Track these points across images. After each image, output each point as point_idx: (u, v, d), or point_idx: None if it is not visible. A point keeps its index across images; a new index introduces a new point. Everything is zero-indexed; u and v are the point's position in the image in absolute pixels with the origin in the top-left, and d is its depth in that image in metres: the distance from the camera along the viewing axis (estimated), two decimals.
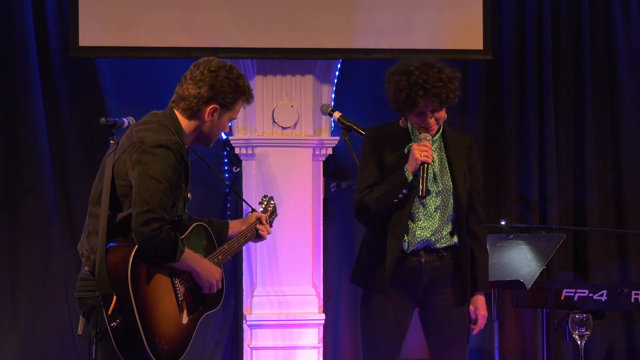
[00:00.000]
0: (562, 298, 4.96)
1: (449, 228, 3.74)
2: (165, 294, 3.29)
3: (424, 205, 3.69)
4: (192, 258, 3.34)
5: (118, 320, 3.16)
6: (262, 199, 3.96)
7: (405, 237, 3.69)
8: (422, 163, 3.59)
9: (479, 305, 3.78)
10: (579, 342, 4.70)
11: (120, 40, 5.36)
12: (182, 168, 3.33)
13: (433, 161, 3.71)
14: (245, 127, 5.57)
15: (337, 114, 4.79)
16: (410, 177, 3.62)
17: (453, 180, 3.72)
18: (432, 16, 5.49)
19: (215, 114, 3.43)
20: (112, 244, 3.24)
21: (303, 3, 5.43)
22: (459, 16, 5.51)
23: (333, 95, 5.67)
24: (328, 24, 5.43)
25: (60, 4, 5.66)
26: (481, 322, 3.80)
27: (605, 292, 4.93)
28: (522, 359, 5.99)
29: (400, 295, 3.74)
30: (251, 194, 5.54)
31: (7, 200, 5.65)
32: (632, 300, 4.90)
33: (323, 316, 5.56)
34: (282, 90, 5.57)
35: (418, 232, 3.70)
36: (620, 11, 6.09)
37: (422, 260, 3.71)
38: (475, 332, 3.82)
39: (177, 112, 3.43)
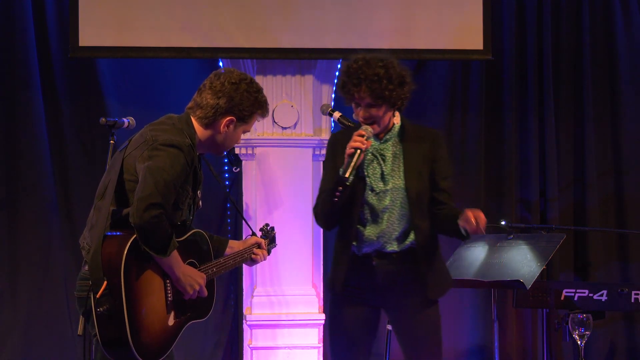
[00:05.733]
0: (562, 298, 4.96)
1: (400, 228, 3.66)
2: (155, 291, 3.28)
3: (371, 206, 3.65)
4: (175, 261, 3.31)
5: (105, 307, 3.14)
6: (263, 226, 3.97)
7: (355, 241, 3.67)
8: (350, 153, 3.52)
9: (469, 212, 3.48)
10: (579, 342, 4.70)
11: (120, 40, 5.36)
12: (191, 171, 3.34)
13: (384, 159, 3.67)
14: None
15: (337, 114, 4.79)
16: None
17: (405, 178, 3.66)
18: (432, 16, 5.49)
19: (231, 126, 3.45)
20: (110, 234, 3.24)
21: (303, 3, 5.43)
22: (459, 16, 5.51)
23: (333, 95, 5.67)
24: (328, 24, 5.43)
25: (60, 4, 5.66)
26: (478, 216, 3.44)
27: (605, 292, 4.93)
28: (522, 359, 5.99)
29: (360, 298, 3.70)
30: (251, 194, 5.54)
31: (7, 200, 5.65)
32: (632, 300, 4.90)
33: (323, 316, 5.55)
34: (282, 90, 5.57)
35: (365, 234, 3.66)
36: (620, 11, 6.09)
37: (374, 263, 3.67)
38: (475, 227, 3.45)
39: (193, 119, 3.45)
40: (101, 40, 5.34)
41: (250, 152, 5.56)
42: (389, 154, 3.69)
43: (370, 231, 3.65)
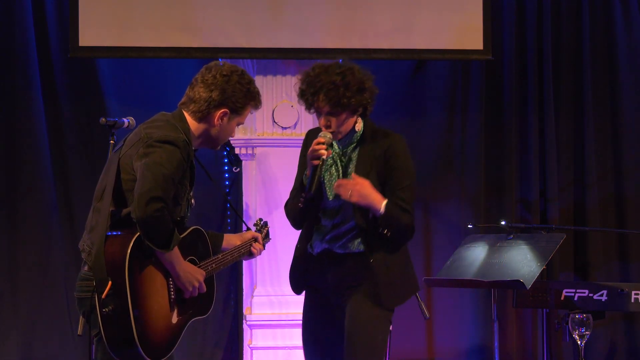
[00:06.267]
0: (562, 298, 4.96)
1: (349, 233, 3.66)
2: (159, 289, 3.28)
3: (324, 210, 3.68)
4: (177, 257, 3.31)
5: (111, 307, 3.15)
6: (257, 222, 3.97)
7: (310, 241, 3.70)
8: (314, 165, 3.54)
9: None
10: (579, 342, 4.70)
11: (120, 40, 5.36)
12: (187, 166, 3.34)
13: (342, 164, 3.68)
14: (245, 127, 5.57)
15: None
16: (306, 181, 3.61)
17: None
18: (432, 16, 5.50)
19: (225, 118, 3.44)
20: (111, 234, 3.24)
21: (303, 3, 5.43)
22: (459, 16, 5.51)
23: None
24: (328, 24, 5.43)
25: (60, 4, 5.66)
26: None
27: (605, 292, 4.92)
28: (522, 359, 5.99)
29: (319, 297, 3.74)
30: (251, 194, 5.54)
31: (7, 200, 5.65)
32: (632, 300, 4.90)
33: None
34: (282, 90, 5.57)
35: (318, 235, 3.69)
36: (620, 11, 6.09)
37: (326, 263, 3.68)
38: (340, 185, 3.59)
39: (186, 114, 3.44)
40: (101, 40, 5.34)
41: (250, 152, 5.56)
42: (346, 159, 3.70)
43: (322, 232, 3.69)
